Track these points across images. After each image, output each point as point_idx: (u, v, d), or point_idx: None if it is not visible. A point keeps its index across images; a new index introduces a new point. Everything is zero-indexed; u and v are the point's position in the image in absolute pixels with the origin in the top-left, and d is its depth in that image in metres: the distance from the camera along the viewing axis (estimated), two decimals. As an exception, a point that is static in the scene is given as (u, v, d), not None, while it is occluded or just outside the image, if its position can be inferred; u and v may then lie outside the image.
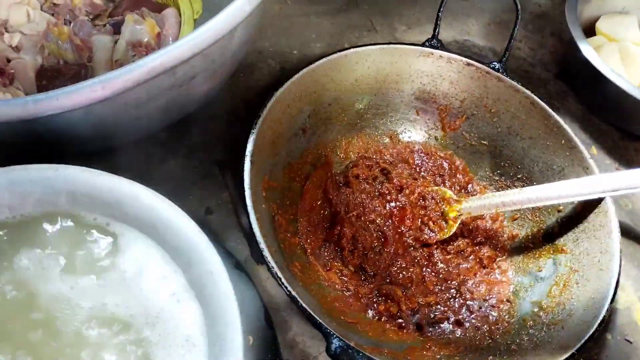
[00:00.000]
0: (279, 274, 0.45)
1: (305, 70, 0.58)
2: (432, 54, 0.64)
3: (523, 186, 0.62)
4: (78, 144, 0.43)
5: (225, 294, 0.35)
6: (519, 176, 0.64)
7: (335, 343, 0.43)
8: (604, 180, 0.54)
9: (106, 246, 0.38)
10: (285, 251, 0.54)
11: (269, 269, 0.45)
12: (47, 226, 0.38)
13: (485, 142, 0.66)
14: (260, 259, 0.46)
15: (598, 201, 0.55)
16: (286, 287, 0.44)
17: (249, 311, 0.42)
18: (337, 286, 0.55)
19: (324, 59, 0.60)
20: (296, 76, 0.58)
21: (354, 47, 0.62)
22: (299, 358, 0.49)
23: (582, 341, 0.47)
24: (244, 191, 0.49)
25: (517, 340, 0.52)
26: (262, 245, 0.46)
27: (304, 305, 0.44)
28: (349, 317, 0.54)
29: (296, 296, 0.44)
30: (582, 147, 0.58)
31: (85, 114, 0.37)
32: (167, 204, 0.38)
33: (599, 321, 0.48)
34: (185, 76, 0.41)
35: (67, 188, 0.38)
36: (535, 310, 0.55)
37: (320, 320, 0.43)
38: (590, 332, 0.47)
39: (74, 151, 0.44)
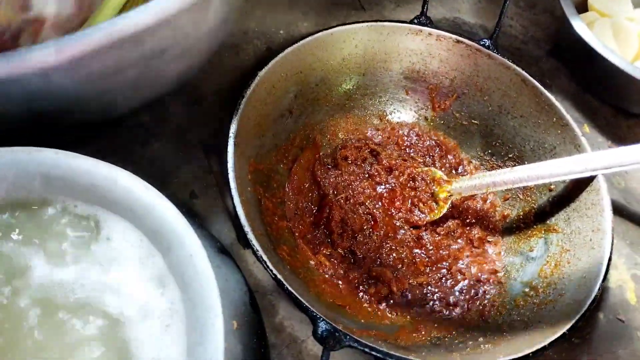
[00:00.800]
0: (264, 258, 0.44)
1: (290, 49, 0.57)
2: (421, 32, 0.63)
3: (514, 165, 0.61)
4: (45, 121, 0.42)
5: (206, 278, 0.34)
6: (510, 155, 0.63)
7: (322, 326, 0.42)
8: (596, 158, 0.53)
9: (83, 231, 0.37)
10: (273, 235, 0.53)
11: (254, 253, 0.44)
12: (20, 212, 0.37)
13: (475, 122, 0.64)
14: (247, 243, 0.45)
15: (590, 179, 0.55)
16: (271, 271, 0.43)
17: (233, 296, 0.41)
18: (326, 269, 0.54)
19: (310, 38, 0.58)
20: (281, 55, 0.56)
21: (340, 25, 0.61)
22: (286, 342, 0.48)
23: (573, 321, 0.46)
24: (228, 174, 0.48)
25: (508, 321, 0.52)
26: (247, 228, 0.45)
27: (289, 288, 0.43)
28: (338, 300, 0.53)
29: (282, 280, 0.43)
30: (574, 125, 0.57)
31: (45, 83, 0.35)
32: (145, 186, 0.36)
33: (590, 300, 0.48)
34: (155, 49, 0.39)
35: (41, 171, 0.37)
36: (527, 290, 0.54)
37: (307, 304, 0.42)
38: (582, 312, 0.47)
39: (44, 131, 0.42)
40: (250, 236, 0.45)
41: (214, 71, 0.65)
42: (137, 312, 0.34)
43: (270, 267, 0.43)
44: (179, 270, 0.35)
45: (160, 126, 0.60)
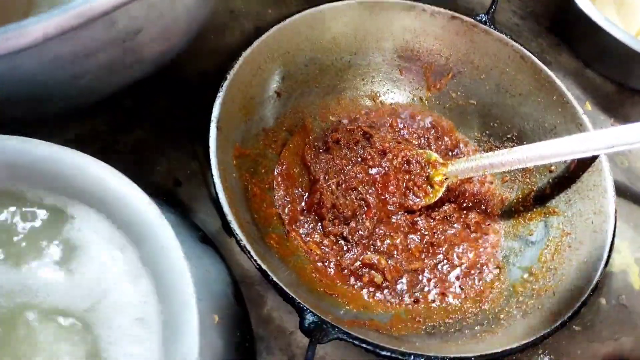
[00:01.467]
0: (248, 247, 0.42)
1: (275, 28, 0.54)
2: (415, 8, 0.60)
3: (513, 146, 0.58)
4: (12, 108, 0.39)
5: (180, 271, 0.32)
6: (508, 136, 0.60)
7: (309, 318, 0.40)
8: (598, 136, 0.50)
9: (51, 222, 0.35)
10: (261, 222, 0.51)
11: (237, 242, 0.42)
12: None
13: (472, 101, 0.62)
14: (231, 232, 0.43)
15: (592, 159, 0.52)
16: (255, 261, 0.41)
17: (214, 288, 0.40)
18: (317, 257, 0.52)
19: (297, 16, 0.56)
20: (266, 35, 0.53)
21: (330, 1, 0.58)
22: (274, 334, 0.46)
23: (574, 308, 0.44)
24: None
25: (506, 309, 0.50)
26: (230, 217, 0.43)
27: (274, 279, 0.41)
28: (330, 289, 0.51)
29: (266, 270, 0.41)
30: (575, 103, 0.55)
31: (10, 69, 0.33)
32: (115, 174, 0.34)
33: (592, 286, 0.46)
34: (128, 29, 0.37)
35: (7, 161, 0.35)
36: (526, 276, 0.52)
37: (293, 295, 0.40)
38: (583, 298, 0.45)
39: (11, 120, 0.40)
40: (234, 225, 0.43)
41: (199, 53, 0.62)
42: (107, 307, 0.32)
43: (255, 257, 0.41)
44: (153, 263, 0.33)
45: (143, 111, 0.58)
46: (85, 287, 0.32)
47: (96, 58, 0.41)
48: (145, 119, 0.57)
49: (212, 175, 0.45)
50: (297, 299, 0.40)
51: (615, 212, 0.49)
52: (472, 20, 0.59)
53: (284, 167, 0.57)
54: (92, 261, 0.33)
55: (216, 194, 0.44)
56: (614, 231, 0.49)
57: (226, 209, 0.43)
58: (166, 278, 0.32)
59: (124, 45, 0.42)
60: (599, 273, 0.46)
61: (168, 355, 0.30)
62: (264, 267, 0.41)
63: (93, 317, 0.32)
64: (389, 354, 0.40)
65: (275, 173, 0.56)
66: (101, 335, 0.31)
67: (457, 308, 0.52)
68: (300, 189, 0.57)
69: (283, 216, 0.54)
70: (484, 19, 0.59)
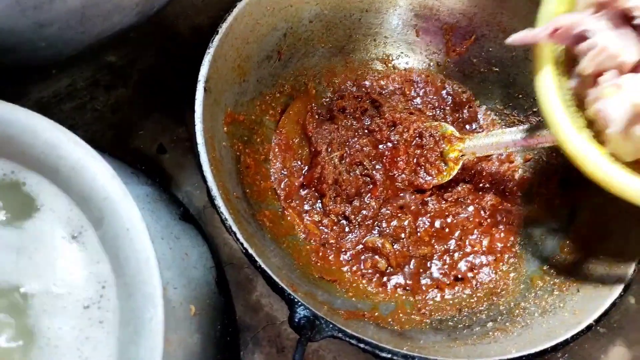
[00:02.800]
0: (234, 228, 0.37)
1: (276, -24, 0.47)
2: (437, -42, 0.53)
3: (539, 122, 0.52)
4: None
5: (145, 259, 0.27)
6: (534, 109, 0.54)
7: (300, 312, 0.35)
8: None
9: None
10: (253, 198, 0.46)
11: (222, 222, 0.37)
12: None
13: (496, 69, 0.55)
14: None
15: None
16: (242, 244, 0.36)
17: (193, 274, 0.35)
18: (315, 238, 0.47)
19: (302, -37, 0.49)
20: (265, -16, 0.47)
21: (340, -52, 0.51)
22: (263, 323, 0.42)
23: (602, 310, 0.39)
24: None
25: (523, 304, 0.45)
26: (215, 191, 0.38)
27: (262, 265, 0.36)
28: (328, 275, 0.46)
29: (253, 254, 0.36)
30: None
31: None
32: (72, 140, 0.29)
33: (624, 284, 0.40)
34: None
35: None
36: (546, 268, 0.47)
37: (282, 284, 0.35)
38: (614, 298, 0.39)
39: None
40: (219, 201, 0.37)
41: (192, 5, 0.56)
42: (56, 298, 0.27)
43: (240, 239, 0.36)
44: (113, 247, 0.28)
45: (128, 67, 0.52)
46: (30, 273, 0.27)
47: (64, 3, 0.36)
48: (129, 76, 0.51)
49: (196, 144, 0.39)
50: (287, 289, 0.35)
51: (654, 201, 0.43)
52: (503, -25, 0.52)
53: (283, 136, 0.52)
54: (43, 241, 0.28)
55: (200, 165, 0.39)
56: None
57: (210, 182, 0.38)
58: (129, 266, 0.27)
59: (100, -11, 0.37)
60: (632, 270, 0.41)
61: (124, 359, 0.25)
62: (250, 251, 0.36)
63: (39, 309, 0.27)
64: (389, 355, 0.35)
65: (273, 143, 0.51)
66: (47, 330, 0.26)
67: (467, 300, 0.47)
68: (299, 162, 0.51)
69: (279, 191, 0.49)
70: (516, -26, 0.52)
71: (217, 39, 0.44)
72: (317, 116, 0.53)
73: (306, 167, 0.51)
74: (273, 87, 0.52)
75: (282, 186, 0.50)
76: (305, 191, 0.50)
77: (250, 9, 0.47)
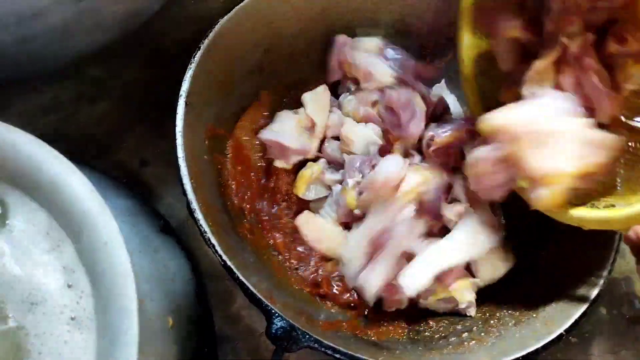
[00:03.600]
0: (212, 240, 0.37)
1: (258, -6, 0.49)
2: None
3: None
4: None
5: (122, 272, 0.27)
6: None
7: (277, 323, 0.36)
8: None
9: (-22, 208, 0.30)
10: (234, 211, 0.47)
11: (202, 234, 0.38)
12: None
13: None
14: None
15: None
16: (220, 256, 0.37)
17: (172, 286, 0.35)
18: (280, 252, 0.47)
19: (281, -19, 0.50)
20: (247, 1, 0.48)
21: (321, -33, 0.52)
22: (242, 335, 0.42)
23: (573, 319, 0.40)
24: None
25: (498, 314, 0.46)
26: (194, 204, 0.39)
27: (240, 276, 0.36)
28: (307, 287, 0.47)
29: (231, 266, 0.37)
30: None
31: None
32: (52, 154, 0.29)
33: (594, 295, 0.41)
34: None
35: None
36: (520, 279, 0.48)
37: (259, 295, 0.36)
38: (584, 308, 0.41)
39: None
40: (198, 214, 0.38)
41: (176, 20, 0.57)
42: (33, 312, 0.28)
43: (219, 251, 0.37)
44: (91, 261, 0.29)
45: (112, 81, 0.53)
46: (8, 285, 0.28)
47: (46, 19, 0.37)
48: (113, 90, 0.52)
49: (177, 157, 0.40)
50: (264, 300, 0.36)
51: (623, 213, 0.45)
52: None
53: (237, 145, 0.50)
54: (23, 256, 0.29)
55: (180, 178, 0.39)
56: (621, 234, 0.44)
57: (190, 195, 0.39)
58: (105, 280, 0.28)
59: (80, 5, 0.37)
60: (601, 281, 0.42)
61: (100, 370, 0.26)
62: (229, 263, 0.37)
63: (16, 323, 0.27)
64: (364, 365, 0.36)
65: (228, 155, 0.48)
66: (25, 344, 0.27)
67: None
68: (256, 172, 0.50)
69: (243, 205, 0.48)
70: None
71: (199, 55, 0.44)
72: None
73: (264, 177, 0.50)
74: (255, 102, 0.52)
75: (245, 198, 0.49)
76: (262, 202, 0.49)
77: (232, 25, 0.48)
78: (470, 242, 0.44)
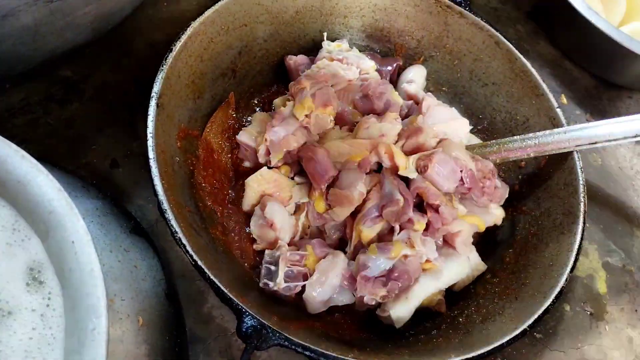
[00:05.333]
0: (183, 241, 0.37)
1: (231, -3, 0.49)
2: (386, -17, 0.55)
3: (484, 139, 0.55)
4: None
5: (89, 271, 0.27)
6: (479, 127, 0.57)
7: (247, 322, 0.36)
8: (571, 132, 0.47)
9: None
10: (206, 212, 0.47)
11: (172, 234, 0.38)
12: None
13: (443, 88, 0.58)
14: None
15: (564, 156, 0.49)
16: (191, 256, 0.37)
17: (142, 286, 0.35)
18: (248, 261, 0.47)
19: (255, -15, 0.51)
20: (219, 4, 0.48)
21: (295, -29, 0.53)
22: (214, 335, 0.42)
23: (535, 316, 0.41)
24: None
25: (466, 312, 0.47)
26: (165, 205, 0.39)
27: (210, 275, 0.37)
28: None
29: (202, 266, 0.37)
30: (549, 95, 0.52)
31: None
32: (19, 154, 0.29)
33: (556, 292, 0.43)
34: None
35: None
36: (489, 277, 0.49)
37: (230, 295, 0.36)
38: (546, 305, 0.42)
39: None
40: (169, 214, 0.38)
41: (149, 21, 0.57)
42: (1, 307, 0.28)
43: (190, 251, 0.37)
44: (59, 260, 0.29)
45: (82, 82, 0.52)
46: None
47: (17, 20, 0.37)
48: (84, 91, 0.52)
49: (148, 159, 0.40)
50: (235, 299, 0.36)
51: (585, 214, 0.46)
52: (447, 1, 0.55)
53: (207, 147, 0.50)
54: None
55: (152, 179, 0.40)
56: (582, 233, 0.46)
57: (161, 196, 0.39)
58: (73, 278, 0.28)
59: (51, 6, 0.37)
60: (564, 278, 0.44)
61: (67, 369, 0.26)
62: (199, 263, 0.37)
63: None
64: (334, 363, 0.36)
65: (200, 157, 0.48)
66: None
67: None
68: (224, 176, 0.50)
69: (214, 207, 0.48)
70: (459, 1, 0.55)
71: (171, 57, 0.45)
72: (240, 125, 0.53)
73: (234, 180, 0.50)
74: (223, 103, 0.53)
75: (217, 201, 0.48)
76: (231, 206, 0.49)
77: (205, 27, 0.48)
78: (452, 277, 0.47)
